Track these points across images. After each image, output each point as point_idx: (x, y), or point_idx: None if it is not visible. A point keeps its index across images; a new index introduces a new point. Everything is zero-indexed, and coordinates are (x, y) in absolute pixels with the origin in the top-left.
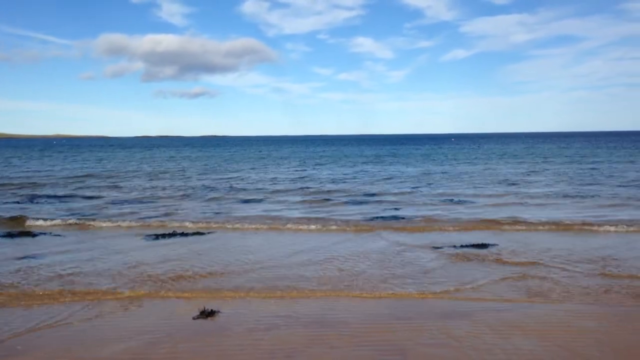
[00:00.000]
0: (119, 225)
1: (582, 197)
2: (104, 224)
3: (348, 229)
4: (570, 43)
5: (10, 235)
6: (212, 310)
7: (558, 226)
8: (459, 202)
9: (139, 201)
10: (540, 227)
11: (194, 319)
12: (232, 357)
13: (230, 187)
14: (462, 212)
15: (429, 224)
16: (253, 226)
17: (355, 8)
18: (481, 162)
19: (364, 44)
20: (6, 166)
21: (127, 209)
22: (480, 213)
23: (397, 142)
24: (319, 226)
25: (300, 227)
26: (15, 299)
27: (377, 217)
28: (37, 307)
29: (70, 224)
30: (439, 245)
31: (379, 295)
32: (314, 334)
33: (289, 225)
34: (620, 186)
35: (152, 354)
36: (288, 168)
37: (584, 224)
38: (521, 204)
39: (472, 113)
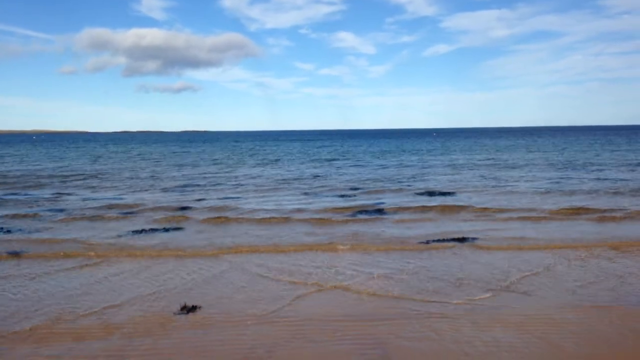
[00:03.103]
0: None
1: None
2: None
3: None
4: (549, 38)
5: None
6: (193, 305)
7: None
8: None
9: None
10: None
11: (175, 314)
12: (212, 353)
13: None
14: None
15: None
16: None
17: (336, 3)
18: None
19: (346, 38)
20: None
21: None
22: None
23: (385, 136)
24: None
25: None
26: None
27: None
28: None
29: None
30: None
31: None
32: (295, 329)
33: None
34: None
35: (132, 350)
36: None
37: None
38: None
39: (452, 108)
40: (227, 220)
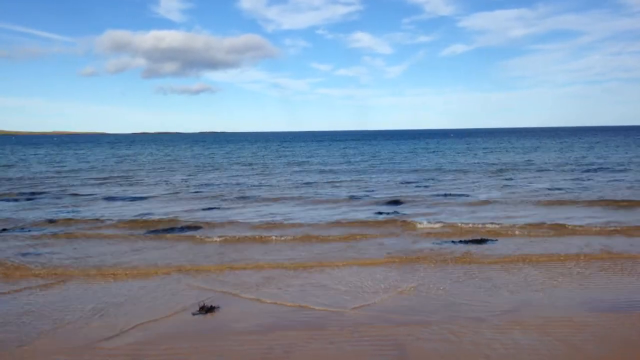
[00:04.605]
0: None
1: None
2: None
3: None
4: (567, 38)
5: None
6: (211, 306)
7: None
8: None
9: None
10: None
11: (193, 314)
12: (231, 353)
13: None
14: None
15: None
16: None
17: (353, 3)
18: None
19: (363, 39)
20: None
21: None
22: None
23: (404, 137)
24: None
25: None
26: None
27: None
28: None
29: None
30: None
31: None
32: (313, 329)
33: None
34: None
35: (151, 349)
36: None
37: None
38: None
39: (468, 109)
40: (261, 238)
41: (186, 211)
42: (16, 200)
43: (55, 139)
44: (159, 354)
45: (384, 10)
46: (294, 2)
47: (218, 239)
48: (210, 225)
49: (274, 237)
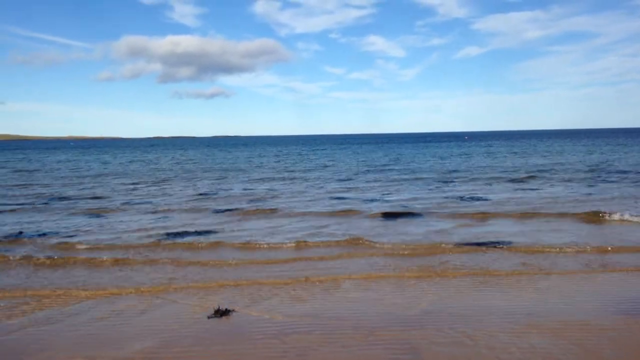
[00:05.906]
0: None
1: None
2: None
3: None
4: (583, 40)
5: None
6: (226, 309)
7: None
8: None
9: None
10: None
11: (208, 317)
12: (244, 356)
13: None
14: None
15: None
16: None
17: (366, 7)
18: None
19: (376, 42)
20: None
21: None
22: None
23: (419, 140)
24: None
25: None
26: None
27: None
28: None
29: None
30: None
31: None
32: (327, 333)
33: None
34: None
35: (166, 352)
36: None
37: None
38: None
39: (482, 111)
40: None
41: (207, 224)
42: (34, 206)
43: (72, 143)
44: (173, 356)
45: (397, 13)
46: (307, 5)
47: (233, 261)
48: (224, 244)
49: (289, 257)
